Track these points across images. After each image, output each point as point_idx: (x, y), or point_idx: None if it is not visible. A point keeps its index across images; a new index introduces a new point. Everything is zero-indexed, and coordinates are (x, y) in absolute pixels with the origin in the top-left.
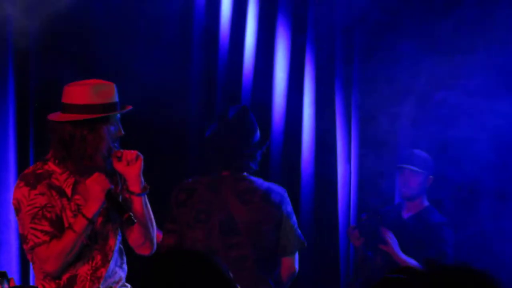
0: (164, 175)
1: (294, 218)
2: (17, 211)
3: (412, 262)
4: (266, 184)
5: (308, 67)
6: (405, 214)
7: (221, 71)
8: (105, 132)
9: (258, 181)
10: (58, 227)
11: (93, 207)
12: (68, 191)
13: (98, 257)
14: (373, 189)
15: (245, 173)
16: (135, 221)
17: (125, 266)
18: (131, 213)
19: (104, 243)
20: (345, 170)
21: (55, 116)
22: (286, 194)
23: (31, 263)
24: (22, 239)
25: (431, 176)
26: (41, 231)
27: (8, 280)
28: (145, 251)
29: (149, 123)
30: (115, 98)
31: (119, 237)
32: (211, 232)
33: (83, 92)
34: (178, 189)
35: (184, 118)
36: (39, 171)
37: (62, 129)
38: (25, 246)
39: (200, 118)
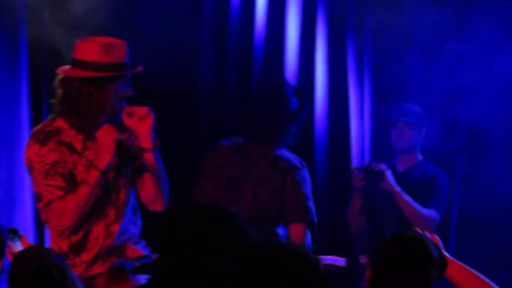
0: (174, 134)
1: (304, 188)
2: (30, 169)
3: (412, 202)
4: (283, 152)
5: (320, 24)
6: (400, 168)
7: (232, 29)
8: (112, 91)
9: (279, 150)
10: (71, 182)
11: (105, 158)
12: (78, 147)
13: (111, 213)
14: (387, 143)
15: (272, 143)
16: (147, 168)
17: (139, 223)
18: (142, 161)
19: (117, 197)
20: (358, 125)
21: (64, 71)
22: (299, 164)
23: (45, 222)
24: (36, 197)
25: (424, 129)
26: (55, 186)
27: (20, 237)
28: (157, 207)
29: (160, 83)
30: (126, 57)
31: (132, 193)
32: (218, 186)
33: (94, 49)
34: (209, 149)
35: (195, 78)
36: (48, 129)
37: (70, 85)
38: (39, 205)
39: (211, 78)
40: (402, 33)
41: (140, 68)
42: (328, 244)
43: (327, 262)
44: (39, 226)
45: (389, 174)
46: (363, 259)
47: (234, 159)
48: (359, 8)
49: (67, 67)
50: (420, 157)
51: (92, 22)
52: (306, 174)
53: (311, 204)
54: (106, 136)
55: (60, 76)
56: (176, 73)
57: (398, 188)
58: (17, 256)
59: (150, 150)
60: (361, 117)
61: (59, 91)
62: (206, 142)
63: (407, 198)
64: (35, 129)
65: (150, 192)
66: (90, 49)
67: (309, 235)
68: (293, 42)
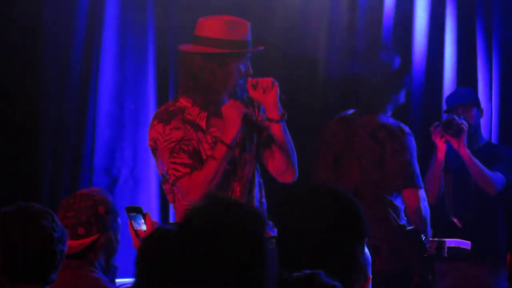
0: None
1: (404, 156)
2: (154, 150)
3: (481, 166)
4: (387, 120)
5: (450, 5)
6: None
7: (361, 10)
8: (234, 68)
9: (382, 117)
10: (197, 159)
11: (231, 132)
12: (203, 124)
13: (237, 189)
14: None
15: (375, 111)
16: (275, 139)
17: (264, 201)
18: (269, 132)
19: (242, 173)
20: (486, 108)
21: (187, 47)
22: (398, 131)
23: (171, 204)
24: (162, 179)
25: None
26: (181, 164)
27: (144, 215)
28: (288, 178)
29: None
30: (248, 36)
31: (257, 170)
32: (326, 162)
33: (217, 26)
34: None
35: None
36: (171, 108)
37: (192, 61)
38: (165, 186)
39: (340, 57)
40: None
41: (261, 47)
42: None
43: (452, 245)
44: (163, 205)
45: (465, 134)
46: (457, 222)
47: (340, 133)
48: None
49: (188, 45)
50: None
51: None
52: (407, 140)
53: (413, 169)
54: (232, 110)
55: (182, 53)
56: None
57: (467, 150)
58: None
59: (277, 121)
60: (489, 99)
61: (182, 69)
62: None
63: (476, 160)
64: (158, 109)
65: (280, 164)
66: (213, 26)
67: (424, 197)
68: (422, 23)
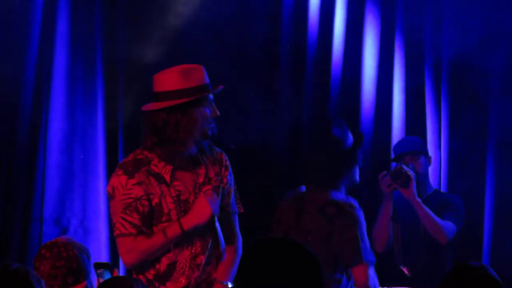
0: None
1: (353, 231)
2: (111, 197)
3: (432, 213)
4: (336, 196)
5: (398, 54)
6: None
7: (309, 60)
8: (197, 115)
9: (334, 193)
10: (147, 224)
11: (193, 221)
12: (167, 177)
13: (198, 244)
14: (463, 175)
15: (327, 187)
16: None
17: (225, 255)
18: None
19: (204, 230)
20: (435, 156)
21: (149, 106)
22: (348, 207)
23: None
24: (112, 225)
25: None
26: (130, 223)
27: (111, 271)
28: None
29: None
30: (205, 79)
31: (218, 225)
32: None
33: (173, 78)
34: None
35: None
36: (139, 157)
37: (156, 117)
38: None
39: (289, 111)
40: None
41: (221, 87)
42: None
43: None
44: (113, 255)
45: (414, 183)
46: (406, 271)
47: (291, 210)
48: (436, 42)
49: (150, 103)
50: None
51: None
52: (356, 215)
53: (363, 245)
54: (207, 205)
55: (146, 113)
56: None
57: (418, 199)
58: (101, 286)
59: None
60: (438, 147)
61: (147, 127)
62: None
63: (427, 209)
64: (125, 159)
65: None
66: (169, 79)
67: (372, 274)
68: (371, 71)
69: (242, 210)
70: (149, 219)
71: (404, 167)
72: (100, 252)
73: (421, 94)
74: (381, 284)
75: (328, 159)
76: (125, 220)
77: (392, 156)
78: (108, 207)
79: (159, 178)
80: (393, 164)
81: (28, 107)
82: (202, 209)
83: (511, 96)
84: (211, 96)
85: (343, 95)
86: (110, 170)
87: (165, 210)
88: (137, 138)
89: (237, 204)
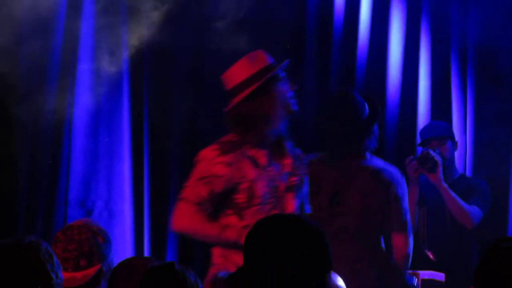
0: None
1: (404, 202)
2: (195, 163)
3: (458, 198)
4: (381, 163)
5: (424, 38)
6: None
7: (335, 44)
8: (276, 91)
9: (373, 159)
10: (212, 203)
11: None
12: (263, 161)
13: None
14: (488, 160)
15: (357, 155)
16: None
17: None
18: None
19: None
20: (461, 141)
21: (230, 104)
22: (399, 176)
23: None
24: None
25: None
26: (198, 193)
27: None
28: None
29: None
30: (270, 59)
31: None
32: (320, 203)
33: (240, 69)
34: None
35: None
36: (234, 139)
37: (239, 111)
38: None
39: (313, 92)
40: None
41: (286, 61)
42: None
43: (426, 277)
44: (138, 238)
45: (440, 168)
46: (431, 255)
47: (330, 176)
48: (463, 25)
49: (229, 103)
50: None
51: None
52: (405, 187)
53: (408, 217)
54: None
55: (228, 113)
56: None
57: (445, 184)
58: (117, 268)
59: None
60: (463, 132)
61: (232, 123)
62: None
63: (453, 194)
64: (224, 138)
65: None
66: (237, 71)
67: (411, 246)
68: (396, 55)
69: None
70: (218, 201)
71: (431, 152)
72: (124, 234)
73: (446, 79)
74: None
75: (352, 128)
76: (195, 188)
77: (419, 141)
78: (136, 189)
79: (254, 162)
80: (420, 148)
81: (54, 90)
82: None
83: None
84: (282, 72)
85: (369, 80)
86: (135, 153)
87: (258, 194)
88: (163, 120)
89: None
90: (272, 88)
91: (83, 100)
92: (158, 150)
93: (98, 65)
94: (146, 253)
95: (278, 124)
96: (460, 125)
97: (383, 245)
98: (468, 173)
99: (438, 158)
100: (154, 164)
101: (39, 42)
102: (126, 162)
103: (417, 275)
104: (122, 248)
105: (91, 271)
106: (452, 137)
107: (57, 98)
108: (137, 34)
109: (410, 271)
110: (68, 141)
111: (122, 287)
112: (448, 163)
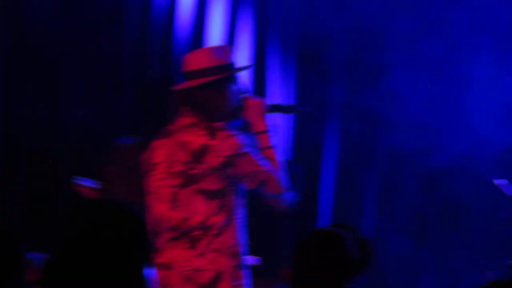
0: None
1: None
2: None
3: None
4: None
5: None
6: None
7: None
8: (231, 91)
9: None
10: None
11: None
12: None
13: None
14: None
15: None
16: None
17: None
18: None
19: None
20: None
21: (184, 85)
22: None
23: None
24: None
25: None
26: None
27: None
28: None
29: None
30: (232, 58)
31: None
32: None
33: (204, 57)
34: None
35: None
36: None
37: (195, 94)
38: None
39: None
40: None
41: (250, 64)
42: None
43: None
44: None
45: None
46: None
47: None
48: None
49: (182, 83)
50: None
51: None
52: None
53: None
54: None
55: (176, 93)
56: None
57: None
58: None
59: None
60: None
61: (183, 104)
62: None
63: None
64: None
65: None
66: (201, 58)
67: None
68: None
69: None
70: None
71: None
72: None
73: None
74: None
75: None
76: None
77: None
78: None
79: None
80: None
81: None
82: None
83: None
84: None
85: None
86: None
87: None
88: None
89: None
90: (230, 86)
91: None
92: None
93: None
94: None
95: (226, 121)
96: None
97: None
98: None
99: None
100: None
101: None
102: None
103: None
104: None
105: None
106: None
107: None
108: None
109: None
110: None
111: None
112: None
